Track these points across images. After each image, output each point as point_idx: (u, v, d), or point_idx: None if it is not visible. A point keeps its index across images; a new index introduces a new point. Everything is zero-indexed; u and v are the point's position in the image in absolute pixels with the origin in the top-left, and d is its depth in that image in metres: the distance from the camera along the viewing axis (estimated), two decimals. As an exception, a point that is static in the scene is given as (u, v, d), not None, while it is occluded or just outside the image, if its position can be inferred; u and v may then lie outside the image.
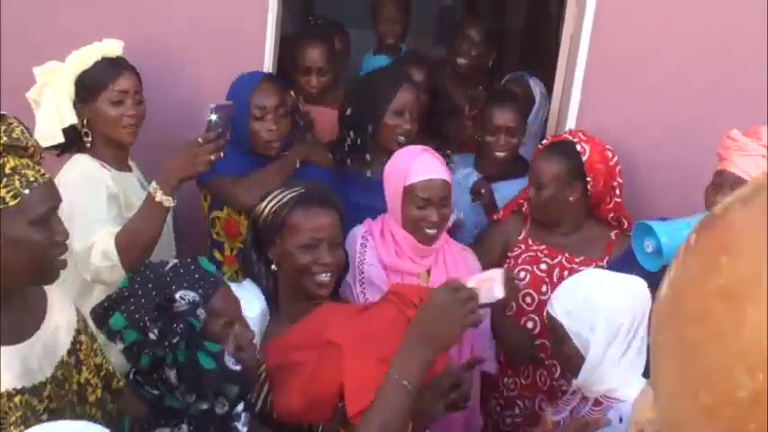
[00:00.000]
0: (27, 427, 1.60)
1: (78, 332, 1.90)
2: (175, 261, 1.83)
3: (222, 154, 2.54)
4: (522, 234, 3.06)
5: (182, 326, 1.70)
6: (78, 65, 2.73)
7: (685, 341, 0.71)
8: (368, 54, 4.58)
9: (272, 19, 3.20)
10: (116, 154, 2.81)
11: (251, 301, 2.19)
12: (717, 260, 0.70)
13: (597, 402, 2.25)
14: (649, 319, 1.49)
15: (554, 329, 2.29)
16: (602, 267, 2.80)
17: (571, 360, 2.25)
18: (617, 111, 3.22)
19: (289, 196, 2.32)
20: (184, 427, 1.75)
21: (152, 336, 1.69)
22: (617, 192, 2.95)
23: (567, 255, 2.96)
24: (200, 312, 1.74)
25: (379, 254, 2.74)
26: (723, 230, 0.71)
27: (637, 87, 3.20)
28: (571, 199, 2.91)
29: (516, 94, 3.66)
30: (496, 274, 2.08)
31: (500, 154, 3.36)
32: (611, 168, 2.92)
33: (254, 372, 1.90)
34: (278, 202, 2.31)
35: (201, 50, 3.22)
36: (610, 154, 2.93)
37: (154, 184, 2.49)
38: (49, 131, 2.69)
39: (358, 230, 2.79)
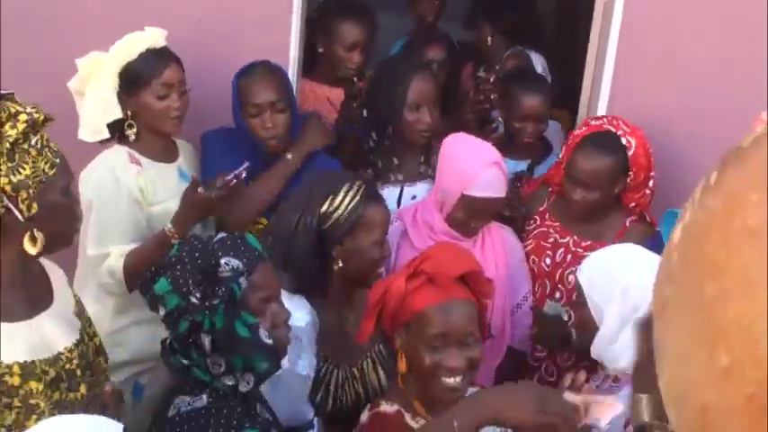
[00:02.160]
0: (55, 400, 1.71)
1: (79, 312, 1.96)
2: (223, 234, 1.91)
3: None
4: (544, 206, 3.02)
5: (223, 289, 1.77)
6: (123, 56, 2.69)
7: (702, 291, 0.61)
8: (401, 39, 4.45)
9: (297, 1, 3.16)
10: (159, 144, 2.80)
11: (299, 311, 2.19)
12: (745, 198, 0.60)
13: (616, 379, 2.28)
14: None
15: (578, 293, 2.34)
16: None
17: (586, 325, 2.28)
18: (648, 92, 3.15)
19: (358, 195, 2.30)
20: (204, 396, 1.80)
21: (194, 300, 1.75)
22: (650, 183, 2.88)
23: (575, 237, 2.91)
24: (242, 281, 1.81)
25: (413, 240, 2.73)
26: (754, 165, 0.62)
27: (668, 70, 3.14)
28: (615, 192, 2.83)
29: (542, 77, 3.60)
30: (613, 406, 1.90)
31: (528, 140, 3.33)
32: (651, 161, 2.85)
33: (284, 352, 1.91)
34: (350, 199, 2.29)
35: (225, 33, 3.18)
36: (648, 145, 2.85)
37: (169, 225, 2.58)
38: (94, 126, 2.68)
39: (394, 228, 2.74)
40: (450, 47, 3.83)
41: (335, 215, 2.27)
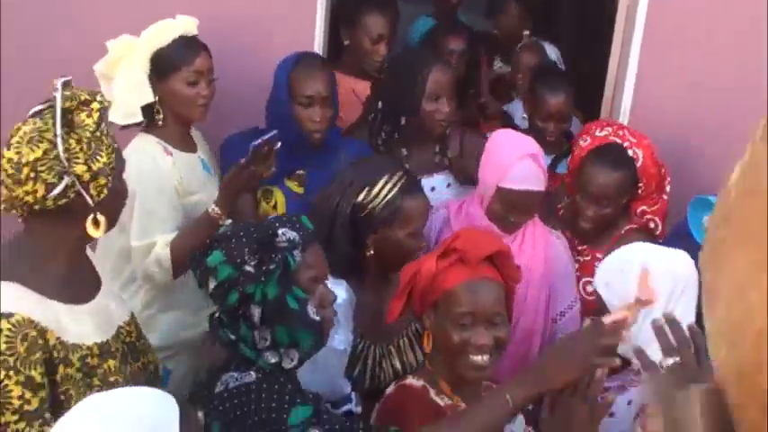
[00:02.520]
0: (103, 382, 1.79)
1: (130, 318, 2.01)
2: (278, 214, 1.94)
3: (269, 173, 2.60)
4: (564, 201, 3.04)
5: (279, 257, 1.83)
6: (155, 41, 2.70)
7: (762, 218, 0.63)
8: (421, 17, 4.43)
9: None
10: (182, 132, 2.81)
11: (336, 288, 2.21)
12: None
13: (639, 372, 2.24)
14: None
15: (597, 300, 2.32)
16: (598, 259, 2.73)
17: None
18: (673, 86, 3.17)
19: (396, 187, 2.33)
20: (252, 373, 1.83)
21: (248, 268, 1.80)
22: (666, 191, 2.85)
23: (576, 240, 2.93)
24: (297, 255, 1.86)
25: (454, 230, 2.67)
26: None
27: (695, 60, 3.15)
28: (623, 202, 2.84)
29: (566, 74, 3.61)
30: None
31: (551, 139, 3.34)
32: (662, 169, 2.83)
33: (328, 333, 1.95)
34: (387, 191, 2.32)
35: (250, 24, 3.21)
36: (656, 154, 2.82)
37: (213, 206, 2.54)
38: (128, 109, 2.68)
39: (438, 215, 2.78)
40: (470, 37, 3.84)
41: (371, 206, 2.31)
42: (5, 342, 1.65)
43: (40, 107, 1.75)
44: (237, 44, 3.17)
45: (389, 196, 2.31)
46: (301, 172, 2.92)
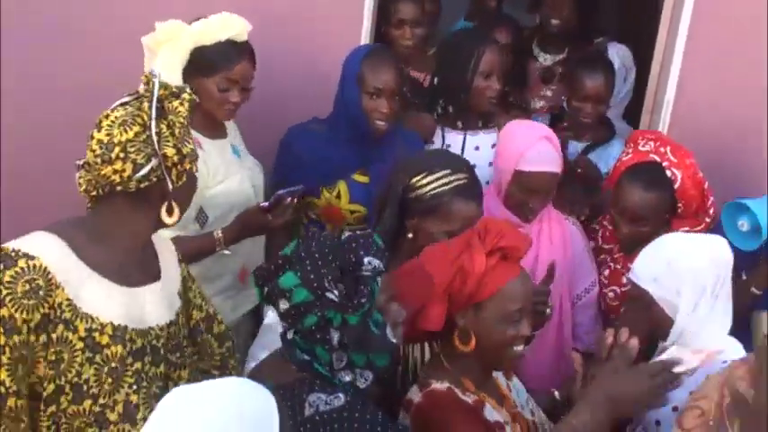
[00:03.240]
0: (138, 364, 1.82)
1: (185, 279, 2.06)
2: (350, 233, 1.93)
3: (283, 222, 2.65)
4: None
5: (368, 289, 1.80)
6: (203, 36, 2.67)
7: None
8: (459, 21, 4.51)
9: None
10: (211, 122, 2.80)
11: None
12: None
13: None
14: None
15: (639, 297, 2.30)
16: (629, 270, 2.71)
17: (660, 324, 2.27)
18: (718, 79, 3.16)
19: (450, 185, 2.33)
20: (341, 396, 1.80)
21: (331, 296, 1.76)
22: (710, 213, 2.80)
23: (615, 248, 2.94)
24: (378, 280, 1.83)
25: None
26: None
27: (739, 55, 3.14)
28: (664, 220, 2.78)
29: (608, 60, 3.61)
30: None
31: (586, 120, 3.36)
32: (704, 190, 2.77)
33: (398, 351, 1.97)
34: (440, 185, 2.33)
35: (298, 19, 3.23)
36: (700, 174, 2.77)
37: (219, 232, 2.59)
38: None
39: None
40: (516, 31, 3.86)
41: (420, 192, 2.34)
42: (9, 276, 1.71)
43: (126, 98, 1.83)
44: (285, 37, 3.20)
45: (440, 189, 2.32)
46: None
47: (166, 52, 2.65)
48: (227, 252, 2.63)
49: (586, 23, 4.10)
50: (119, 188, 1.79)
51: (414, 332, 2.02)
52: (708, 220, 2.80)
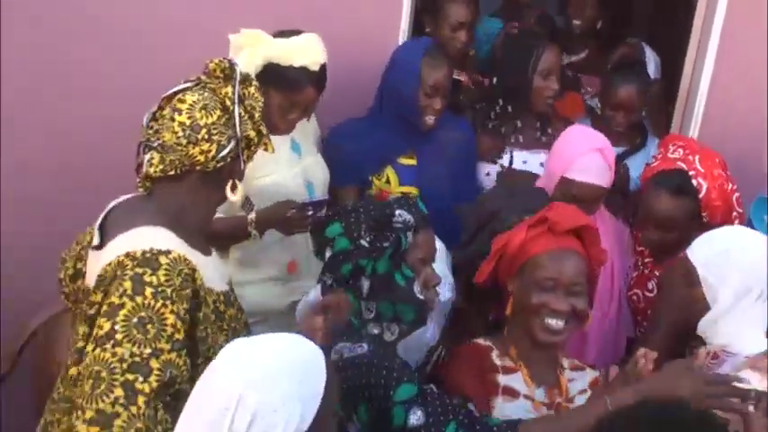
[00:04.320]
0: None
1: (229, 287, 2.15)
2: (399, 195, 2.12)
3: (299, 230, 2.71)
4: None
5: (393, 236, 1.98)
6: (279, 56, 2.73)
7: None
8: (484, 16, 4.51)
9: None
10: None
11: (444, 285, 2.35)
12: None
13: (714, 356, 2.25)
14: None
15: (688, 273, 2.31)
16: (655, 276, 2.81)
17: (696, 305, 2.28)
18: (749, 80, 3.20)
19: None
20: (365, 345, 1.92)
21: (363, 243, 1.97)
22: (736, 223, 2.77)
23: (646, 252, 2.96)
24: (409, 235, 2.01)
25: None
26: None
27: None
28: (691, 228, 2.75)
29: (642, 68, 3.62)
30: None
31: (617, 129, 3.36)
32: (729, 202, 2.77)
33: (429, 312, 2.08)
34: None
35: (338, 14, 3.28)
36: (729, 185, 2.77)
37: (252, 215, 2.67)
38: None
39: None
40: (553, 31, 3.91)
41: None
42: (164, 275, 1.79)
43: (188, 84, 1.97)
44: (324, 31, 3.19)
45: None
46: None
47: (245, 55, 2.69)
48: (254, 234, 2.68)
49: (617, 24, 4.15)
50: (198, 167, 1.93)
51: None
52: None
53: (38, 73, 3.30)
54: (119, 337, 1.72)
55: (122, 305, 1.74)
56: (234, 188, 1.99)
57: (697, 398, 1.77)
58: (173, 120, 1.90)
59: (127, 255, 1.80)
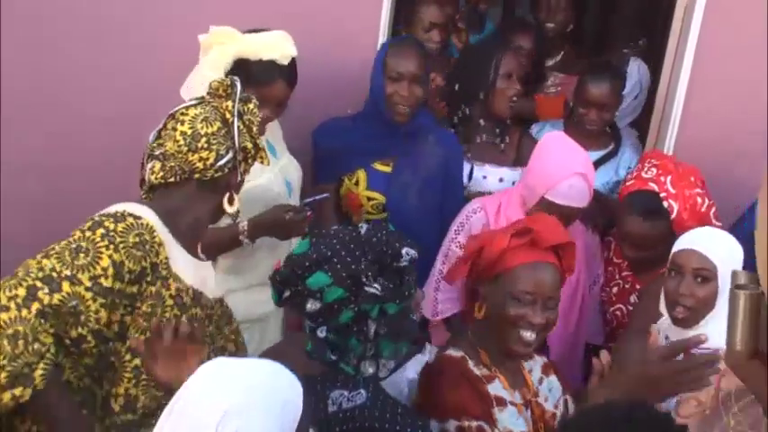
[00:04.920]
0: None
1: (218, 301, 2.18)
2: (365, 225, 1.97)
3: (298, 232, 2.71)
4: None
5: (412, 278, 1.87)
6: (248, 51, 2.71)
7: None
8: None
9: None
10: None
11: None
12: None
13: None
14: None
15: (700, 272, 2.39)
16: (636, 291, 2.87)
17: (704, 305, 2.37)
18: (726, 91, 3.21)
19: None
20: (363, 392, 1.86)
21: (371, 290, 1.80)
22: None
23: (623, 265, 3.00)
24: (413, 267, 1.90)
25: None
26: None
27: (749, 69, 3.18)
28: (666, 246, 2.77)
29: (617, 69, 3.63)
30: None
31: (590, 127, 3.36)
32: (704, 220, 2.77)
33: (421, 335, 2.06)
34: None
35: (316, 15, 3.28)
36: (700, 201, 2.80)
37: (245, 224, 2.65)
38: (196, 90, 2.63)
39: (473, 205, 2.91)
40: (538, 37, 3.92)
41: None
42: (123, 228, 1.88)
43: (194, 102, 2.08)
44: (303, 33, 3.18)
45: None
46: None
47: (215, 54, 2.69)
48: (246, 242, 2.68)
49: (613, 34, 4.21)
50: (196, 175, 2.01)
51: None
52: None
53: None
54: (51, 252, 1.82)
55: (73, 235, 1.86)
56: (231, 200, 2.07)
57: (666, 382, 1.74)
58: (175, 130, 2.01)
59: (101, 213, 1.92)
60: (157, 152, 2.03)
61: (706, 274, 2.38)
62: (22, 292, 1.74)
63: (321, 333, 1.86)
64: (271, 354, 2.06)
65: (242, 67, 2.69)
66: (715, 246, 2.41)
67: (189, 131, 2.00)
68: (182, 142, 1.99)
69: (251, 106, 2.10)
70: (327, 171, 3.06)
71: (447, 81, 3.38)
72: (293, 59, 2.77)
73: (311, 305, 1.83)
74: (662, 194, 2.79)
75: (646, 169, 2.90)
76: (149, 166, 2.03)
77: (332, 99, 3.16)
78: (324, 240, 1.88)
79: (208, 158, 2.00)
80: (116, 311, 1.86)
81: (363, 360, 1.86)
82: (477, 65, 3.20)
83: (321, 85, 3.10)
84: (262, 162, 2.15)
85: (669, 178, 2.82)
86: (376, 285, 1.80)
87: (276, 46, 2.75)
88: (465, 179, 3.18)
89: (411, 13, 3.57)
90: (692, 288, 2.39)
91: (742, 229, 2.74)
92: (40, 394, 1.74)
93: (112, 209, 1.94)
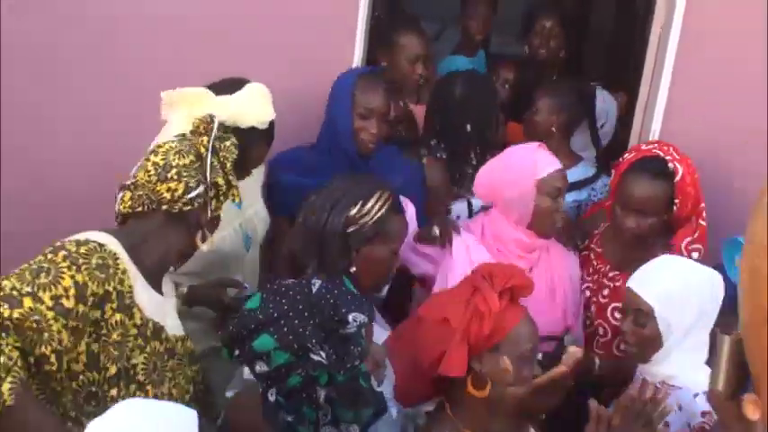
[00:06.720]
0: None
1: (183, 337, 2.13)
2: (320, 282, 1.86)
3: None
4: (600, 228, 3.06)
5: (358, 348, 1.77)
6: (225, 117, 2.44)
7: None
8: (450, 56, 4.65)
9: (362, 15, 3.27)
10: None
11: (382, 332, 2.27)
12: None
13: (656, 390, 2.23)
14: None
15: (638, 312, 2.33)
16: None
17: (649, 343, 2.31)
18: (704, 113, 3.20)
19: (386, 205, 2.31)
20: None
21: (317, 358, 1.71)
22: (704, 216, 2.84)
23: (607, 267, 2.94)
24: (363, 333, 1.81)
25: (480, 255, 2.74)
26: None
27: (726, 89, 3.18)
28: (664, 219, 2.81)
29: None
30: None
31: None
32: (699, 193, 2.82)
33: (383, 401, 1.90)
34: (378, 210, 2.29)
35: (291, 45, 3.27)
36: (696, 177, 2.83)
37: (183, 290, 2.48)
38: None
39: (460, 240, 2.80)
40: (523, 67, 4.15)
41: (362, 221, 2.28)
42: (85, 250, 1.85)
43: (177, 137, 2.09)
44: (277, 65, 3.24)
45: (380, 214, 2.29)
46: None
47: (183, 114, 2.41)
48: (183, 307, 2.50)
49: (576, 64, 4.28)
50: (164, 207, 1.99)
51: (425, 388, 2.03)
52: (703, 223, 2.84)
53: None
54: (12, 276, 1.79)
55: (35, 259, 1.83)
56: (204, 238, 2.06)
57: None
58: (148, 161, 2.01)
59: (64, 239, 1.89)
60: (128, 182, 2.02)
61: (641, 315, 2.32)
62: None
63: (272, 396, 1.79)
64: (230, 408, 2.01)
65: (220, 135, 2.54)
66: (653, 285, 2.34)
67: (161, 162, 1.99)
68: (152, 172, 1.98)
69: (228, 144, 2.11)
70: (281, 205, 2.89)
71: (427, 114, 3.36)
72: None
73: (259, 367, 1.78)
74: (667, 158, 2.81)
75: (644, 146, 2.94)
76: (120, 195, 2.02)
77: (301, 131, 3.08)
78: (273, 298, 1.80)
79: (176, 189, 1.98)
80: (80, 338, 1.79)
81: (323, 425, 1.78)
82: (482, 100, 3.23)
83: (290, 116, 3.06)
84: (234, 200, 2.12)
85: (672, 148, 2.86)
86: (321, 353, 1.72)
87: (254, 111, 2.57)
88: (464, 217, 3.11)
89: (391, 46, 3.56)
90: (630, 327, 2.37)
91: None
92: (12, 411, 1.66)
93: (74, 236, 1.91)
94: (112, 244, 1.91)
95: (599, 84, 4.23)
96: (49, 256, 1.82)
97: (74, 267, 1.79)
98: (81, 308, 1.78)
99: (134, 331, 1.90)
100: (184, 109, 2.44)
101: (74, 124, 3.39)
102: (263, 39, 3.25)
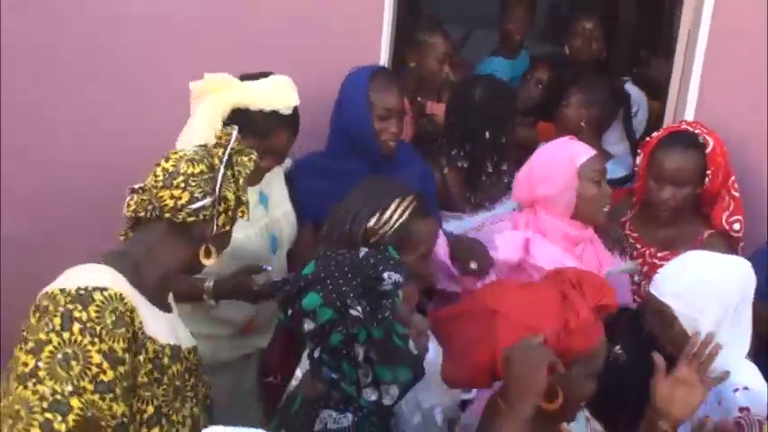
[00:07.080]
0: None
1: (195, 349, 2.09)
2: (367, 249, 1.95)
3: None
4: (628, 215, 3.10)
5: (389, 303, 1.82)
6: (249, 101, 2.55)
7: None
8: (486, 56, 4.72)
9: (387, 18, 3.26)
10: None
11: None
12: None
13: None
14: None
15: (660, 312, 2.32)
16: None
17: (677, 342, 2.27)
18: (734, 108, 3.18)
19: (407, 211, 2.27)
20: (349, 415, 1.86)
21: (355, 312, 1.78)
22: (735, 187, 2.91)
23: (652, 249, 2.96)
24: (399, 293, 1.86)
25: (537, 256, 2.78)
26: None
27: (755, 83, 3.16)
28: (697, 192, 2.89)
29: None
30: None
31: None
32: (729, 164, 2.89)
33: (423, 361, 1.93)
34: (398, 217, 2.26)
35: (317, 48, 3.27)
36: (725, 150, 2.91)
37: (210, 284, 2.54)
38: (187, 143, 2.50)
39: (515, 236, 2.83)
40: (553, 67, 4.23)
41: (381, 231, 2.25)
42: (95, 311, 1.74)
43: (196, 147, 2.00)
44: (304, 68, 3.16)
45: (400, 221, 2.26)
46: None
47: (210, 102, 2.50)
48: (212, 303, 2.57)
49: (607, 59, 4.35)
50: (167, 215, 1.91)
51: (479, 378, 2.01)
52: (736, 194, 2.89)
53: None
54: (41, 374, 1.67)
55: (49, 341, 1.70)
56: (209, 254, 1.96)
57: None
58: (158, 165, 1.93)
59: (62, 290, 1.76)
60: (137, 186, 1.97)
61: (665, 316, 2.31)
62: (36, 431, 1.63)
63: (317, 354, 1.87)
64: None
65: (241, 116, 2.52)
66: (668, 284, 2.33)
67: (170, 168, 1.92)
68: (160, 177, 1.91)
69: (245, 159, 2.02)
70: (305, 211, 2.88)
71: (446, 119, 3.38)
72: (296, 107, 2.65)
73: (307, 325, 1.84)
74: (696, 131, 2.90)
75: (672, 125, 3.06)
76: (127, 199, 1.96)
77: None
78: (323, 261, 1.89)
79: (180, 198, 1.89)
80: (127, 399, 1.76)
81: (364, 387, 1.84)
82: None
83: (319, 120, 3.06)
84: (242, 217, 2.04)
85: (699, 124, 2.96)
86: (358, 308, 1.79)
87: (278, 95, 2.60)
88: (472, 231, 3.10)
89: (419, 46, 3.65)
90: (657, 328, 2.36)
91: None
92: None
93: (73, 282, 1.78)
94: (114, 280, 1.82)
95: (626, 78, 4.27)
96: (65, 335, 1.71)
97: (96, 339, 1.72)
98: (118, 371, 1.74)
99: (149, 366, 1.84)
100: (211, 95, 2.51)
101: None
102: (285, 40, 3.26)
